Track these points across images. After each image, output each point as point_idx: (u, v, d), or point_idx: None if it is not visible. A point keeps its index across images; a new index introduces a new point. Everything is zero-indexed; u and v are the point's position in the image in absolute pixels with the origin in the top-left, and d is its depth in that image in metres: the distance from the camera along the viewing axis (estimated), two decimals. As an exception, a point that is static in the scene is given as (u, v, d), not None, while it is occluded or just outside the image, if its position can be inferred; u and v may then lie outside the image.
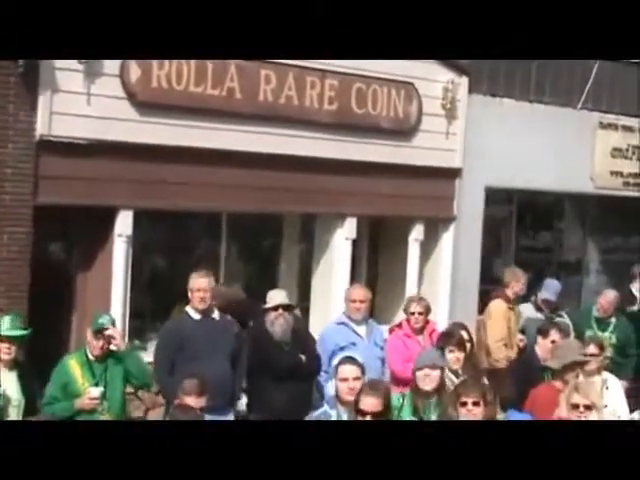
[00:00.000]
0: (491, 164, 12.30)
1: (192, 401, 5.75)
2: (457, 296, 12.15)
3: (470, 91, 12.03)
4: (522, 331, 9.99)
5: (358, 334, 8.22)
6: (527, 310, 10.53)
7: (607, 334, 10.13)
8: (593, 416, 5.71)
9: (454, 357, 7.04)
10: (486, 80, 12.18)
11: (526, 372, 7.28)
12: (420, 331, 8.58)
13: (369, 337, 8.27)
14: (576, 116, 13.33)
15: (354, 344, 8.02)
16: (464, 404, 5.58)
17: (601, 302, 10.40)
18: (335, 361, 6.06)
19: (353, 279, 11.72)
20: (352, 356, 6.09)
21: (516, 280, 10.12)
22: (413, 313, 8.66)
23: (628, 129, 13.94)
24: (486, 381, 6.45)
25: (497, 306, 9.97)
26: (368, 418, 5.32)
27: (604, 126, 13.67)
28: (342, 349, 7.88)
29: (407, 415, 6.30)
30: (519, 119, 12.64)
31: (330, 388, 5.96)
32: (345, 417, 5.67)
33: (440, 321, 11.92)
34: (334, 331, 8.24)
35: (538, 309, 10.47)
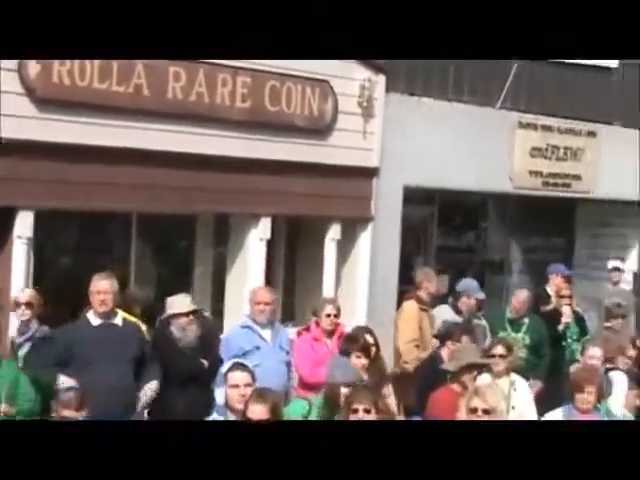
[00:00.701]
0: (409, 163, 12.18)
1: (70, 414, 5.49)
2: (375, 297, 11.98)
3: (387, 90, 11.87)
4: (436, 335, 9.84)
5: (263, 338, 8.03)
6: (446, 312, 10.37)
7: (520, 335, 10.06)
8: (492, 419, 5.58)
9: (359, 363, 6.85)
10: (404, 79, 12.03)
11: (430, 376, 7.13)
12: (330, 334, 8.41)
13: (274, 341, 8.08)
14: (495, 115, 13.26)
15: (258, 348, 7.84)
16: (355, 411, 5.44)
17: (513, 303, 10.34)
18: (225, 368, 5.85)
19: (269, 280, 11.53)
20: (242, 362, 5.92)
21: (428, 281, 10.00)
22: (329, 315, 8.50)
23: (547, 129, 13.91)
24: (390, 387, 6.23)
25: (408, 307, 9.84)
26: (255, 427, 5.11)
27: (523, 125, 13.61)
28: (246, 353, 7.71)
29: (314, 423, 6.10)
30: (438, 118, 12.52)
31: (220, 396, 5.75)
32: (235, 425, 5.45)
33: (359, 321, 11.80)
34: (238, 335, 8.04)
35: (457, 311, 10.30)
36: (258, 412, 5.23)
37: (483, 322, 10.19)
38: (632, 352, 7.70)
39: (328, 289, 11.55)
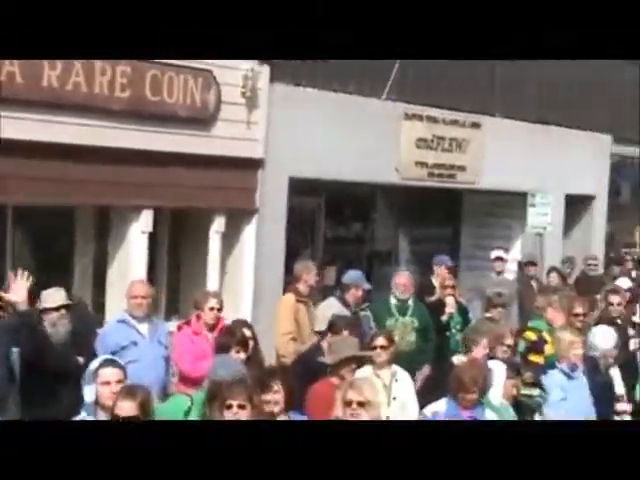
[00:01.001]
0: (295, 155, 12.09)
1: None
2: (261, 289, 11.88)
3: (272, 80, 11.75)
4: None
5: (140, 332, 7.82)
6: (333, 305, 10.17)
7: (408, 318, 10.03)
8: (368, 413, 5.52)
9: (239, 358, 6.72)
10: (289, 69, 11.90)
11: (310, 369, 7.03)
12: (212, 328, 8.25)
13: (152, 335, 7.88)
14: (381, 106, 13.26)
15: (135, 343, 7.64)
16: (229, 407, 5.31)
17: (396, 282, 10.23)
18: (94, 364, 5.66)
19: (152, 274, 11.32)
20: (113, 358, 5.73)
21: (307, 273, 9.89)
22: (212, 309, 8.34)
23: (432, 120, 13.98)
24: (278, 382, 6.02)
25: (285, 300, 9.74)
26: (122, 424, 4.96)
27: (409, 117, 13.65)
28: (123, 348, 7.51)
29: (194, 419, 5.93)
30: (323, 109, 12.46)
31: (89, 393, 5.55)
32: (105, 424, 5.27)
33: (245, 315, 11.66)
34: (114, 330, 7.82)
35: (344, 303, 10.13)
36: (126, 409, 5.09)
37: (368, 313, 10.13)
38: (510, 341, 7.72)
39: (212, 282, 11.40)
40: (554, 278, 12.45)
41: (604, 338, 8.26)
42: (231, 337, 6.90)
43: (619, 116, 17.59)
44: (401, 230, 16.54)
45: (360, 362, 6.72)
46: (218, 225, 11.41)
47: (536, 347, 7.66)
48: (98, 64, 9.89)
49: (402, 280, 10.19)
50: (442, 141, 14.15)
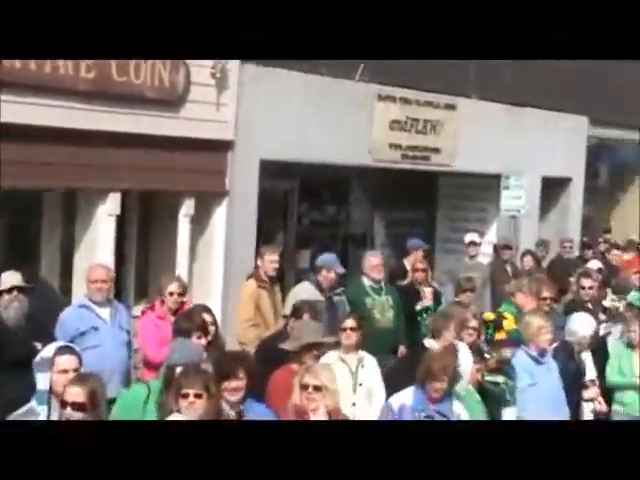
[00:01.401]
0: (266, 136, 11.92)
1: None
2: (232, 273, 11.71)
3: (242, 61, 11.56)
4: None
5: (101, 317, 7.67)
6: (306, 289, 10.00)
7: (384, 297, 9.93)
8: (325, 398, 5.41)
9: (199, 343, 6.57)
10: (259, 49, 11.71)
11: (272, 355, 6.88)
12: (175, 313, 8.10)
13: (113, 320, 7.73)
14: (354, 88, 13.10)
15: (96, 328, 7.48)
16: (185, 396, 5.17)
17: (369, 264, 10.11)
18: (49, 351, 5.51)
19: (120, 258, 11.18)
20: (69, 345, 5.60)
21: (269, 257, 9.73)
22: (172, 293, 8.18)
23: (406, 101, 13.83)
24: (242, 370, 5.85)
25: (246, 286, 9.59)
26: (69, 410, 4.84)
27: (382, 98, 13.50)
28: (83, 334, 7.36)
29: (152, 408, 5.80)
30: (295, 90, 12.30)
31: (42, 381, 5.40)
32: (56, 414, 5.15)
33: (215, 300, 11.55)
34: (74, 315, 7.66)
35: (318, 287, 9.95)
36: (74, 394, 4.96)
37: (343, 297, 9.99)
38: (475, 323, 7.60)
39: (182, 266, 11.24)
40: (528, 261, 12.34)
41: (583, 325, 8.18)
42: (191, 322, 6.75)
43: (596, 98, 17.50)
44: (376, 213, 16.39)
45: (323, 348, 6.58)
46: (187, 208, 11.24)
47: (496, 325, 7.55)
48: (62, 44, 9.67)
49: (375, 261, 10.08)
50: (416, 123, 14.01)
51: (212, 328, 7.05)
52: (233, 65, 11.41)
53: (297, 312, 7.52)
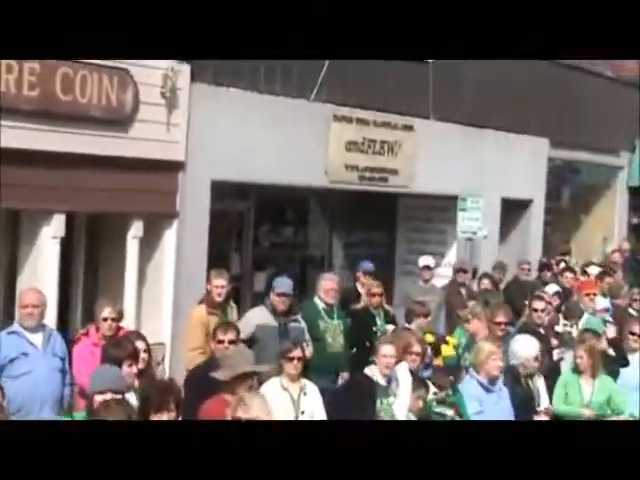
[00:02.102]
0: (218, 157, 11.69)
1: None
2: (182, 297, 11.43)
3: (193, 79, 11.34)
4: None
5: (32, 343, 7.38)
6: (260, 314, 9.69)
7: (336, 321, 9.70)
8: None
9: (130, 371, 6.30)
10: (211, 68, 11.50)
11: (204, 384, 6.59)
12: (112, 338, 7.81)
13: (46, 346, 7.44)
14: (309, 108, 12.90)
15: (26, 354, 7.20)
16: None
17: (324, 287, 9.86)
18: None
19: (67, 281, 10.90)
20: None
21: (219, 281, 9.47)
22: (106, 319, 7.89)
23: (363, 122, 13.65)
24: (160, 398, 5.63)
25: (195, 311, 9.34)
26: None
27: (338, 118, 13.30)
28: (12, 361, 7.07)
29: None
30: (248, 110, 12.08)
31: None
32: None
33: (165, 324, 11.30)
34: (3, 342, 7.36)
35: (273, 311, 9.65)
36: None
37: (302, 324, 9.69)
38: (418, 348, 7.38)
39: (130, 289, 10.96)
40: (486, 284, 12.13)
41: (525, 346, 7.95)
42: (121, 349, 6.47)
43: (557, 120, 17.42)
44: (335, 234, 16.19)
45: (257, 377, 6.32)
46: (136, 230, 10.96)
47: (434, 350, 7.35)
48: (4, 61, 9.41)
49: (329, 284, 9.86)
50: (373, 144, 13.82)
51: (144, 356, 6.78)
52: (184, 84, 11.18)
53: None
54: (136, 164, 10.69)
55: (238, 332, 7.83)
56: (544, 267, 13.80)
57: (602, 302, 11.03)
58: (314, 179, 13.18)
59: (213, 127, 11.59)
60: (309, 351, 9.29)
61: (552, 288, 11.45)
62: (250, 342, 9.29)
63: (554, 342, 9.69)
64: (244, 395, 5.44)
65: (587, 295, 10.89)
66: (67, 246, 10.78)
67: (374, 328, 10.29)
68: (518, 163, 16.56)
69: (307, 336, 9.51)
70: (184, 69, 11.11)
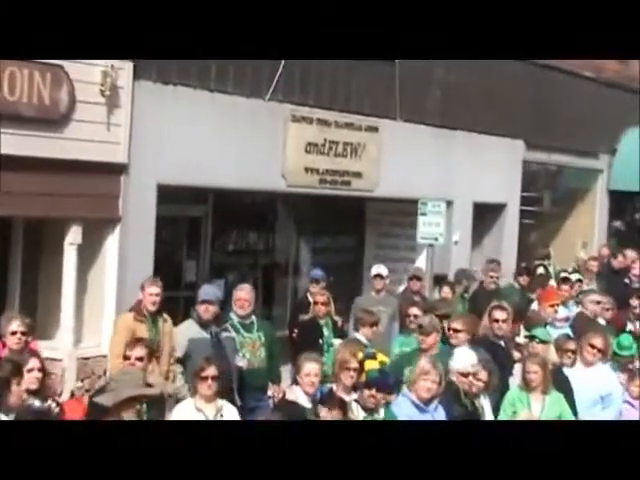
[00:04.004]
0: (165, 159, 11.12)
1: None
2: (126, 306, 10.81)
3: (136, 77, 10.74)
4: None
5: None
6: (190, 328, 9.03)
7: (255, 335, 9.08)
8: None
9: (17, 390, 5.73)
10: (155, 65, 10.91)
11: (94, 411, 5.98)
12: (20, 353, 7.23)
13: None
14: (265, 108, 12.31)
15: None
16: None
17: (235, 298, 9.26)
18: None
19: (3, 290, 10.34)
20: None
21: (149, 288, 8.91)
22: (15, 333, 7.32)
23: (324, 123, 13.06)
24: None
25: (121, 319, 8.79)
26: None
27: (297, 119, 12.71)
28: None
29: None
30: (198, 110, 11.49)
31: None
32: None
33: (107, 335, 10.71)
34: None
35: (200, 323, 9.04)
36: None
37: (233, 334, 9.12)
38: (355, 364, 6.82)
39: (68, 299, 10.38)
40: (446, 293, 11.53)
41: (461, 360, 7.33)
42: (13, 367, 5.87)
43: (533, 121, 16.85)
44: (302, 240, 15.61)
45: (142, 401, 5.71)
46: (73, 236, 10.37)
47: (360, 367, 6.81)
48: None
49: (241, 295, 9.24)
50: (335, 145, 13.23)
51: (38, 375, 6.20)
52: (126, 82, 10.59)
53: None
54: (73, 166, 10.11)
55: (150, 349, 7.26)
56: (522, 272, 13.19)
57: (562, 311, 10.45)
58: (271, 183, 12.60)
59: (159, 128, 11.01)
60: (244, 363, 8.76)
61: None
62: (184, 359, 8.77)
63: (516, 355, 9.11)
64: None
65: (551, 306, 10.34)
66: (4, 254, 10.25)
67: (320, 340, 9.70)
68: (491, 166, 15.99)
69: (237, 347, 8.94)
70: (126, 66, 10.52)
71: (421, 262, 15.09)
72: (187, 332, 8.89)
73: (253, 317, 9.21)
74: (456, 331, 8.60)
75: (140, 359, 6.98)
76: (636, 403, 8.87)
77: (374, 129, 13.80)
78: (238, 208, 14.13)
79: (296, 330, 10.15)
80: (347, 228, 15.89)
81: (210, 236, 13.64)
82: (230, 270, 14.24)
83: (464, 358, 7.31)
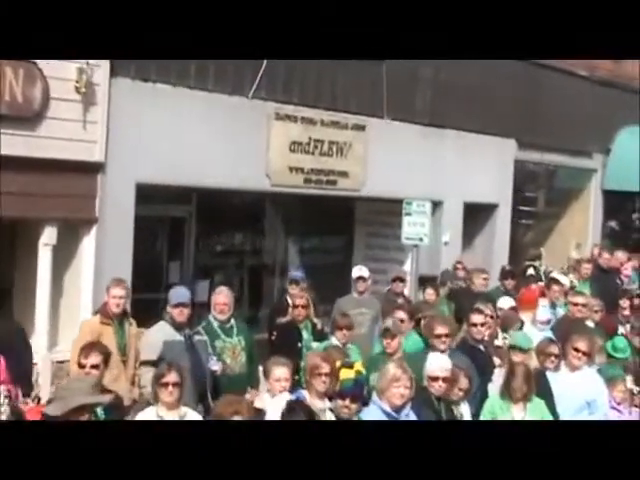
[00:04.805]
0: (144, 158, 10.88)
1: None
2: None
3: (114, 74, 10.50)
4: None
5: None
6: (162, 330, 8.65)
7: (235, 338, 8.82)
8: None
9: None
10: (133, 63, 10.65)
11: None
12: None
13: None
14: (248, 106, 12.07)
15: None
16: None
17: (214, 302, 9.00)
18: None
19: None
20: None
21: (116, 290, 8.65)
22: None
23: (309, 121, 12.81)
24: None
25: (86, 323, 8.55)
26: None
27: (281, 117, 12.46)
28: None
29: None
30: (178, 108, 11.25)
31: None
32: None
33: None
34: None
35: (174, 326, 8.74)
36: None
37: (205, 337, 8.86)
38: (327, 370, 6.57)
39: (43, 301, 10.15)
40: (430, 295, 11.26)
41: (432, 365, 7.06)
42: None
43: (525, 120, 16.59)
44: (290, 240, 15.36)
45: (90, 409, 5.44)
46: (48, 237, 10.14)
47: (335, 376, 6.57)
48: None
49: (219, 299, 8.98)
50: (320, 144, 12.98)
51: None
52: (102, 79, 10.35)
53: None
54: (48, 165, 9.88)
55: (106, 355, 7.00)
56: (507, 275, 12.90)
57: (542, 313, 10.18)
58: (255, 182, 12.36)
59: (137, 126, 10.77)
60: (219, 367, 8.51)
61: (507, 302, 10.56)
62: (158, 362, 8.50)
63: (496, 360, 8.84)
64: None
65: (528, 308, 10.09)
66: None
67: (299, 344, 9.45)
68: (482, 166, 15.73)
69: (209, 350, 8.69)
70: (102, 63, 10.28)
71: (411, 263, 14.87)
72: (160, 334, 8.61)
73: (232, 321, 8.95)
74: (444, 336, 8.33)
75: (96, 366, 6.72)
76: (622, 408, 8.65)
77: (361, 128, 13.56)
78: (224, 208, 13.87)
79: (275, 333, 9.89)
80: (336, 228, 15.64)
81: (194, 236, 13.39)
82: (215, 271, 14.01)
83: (436, 362, 7.05)
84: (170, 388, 6.34)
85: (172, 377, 6.40)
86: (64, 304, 10.57)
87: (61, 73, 9.92)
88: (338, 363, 6.65)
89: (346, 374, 6.40)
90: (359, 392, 6.42)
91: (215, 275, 13.88)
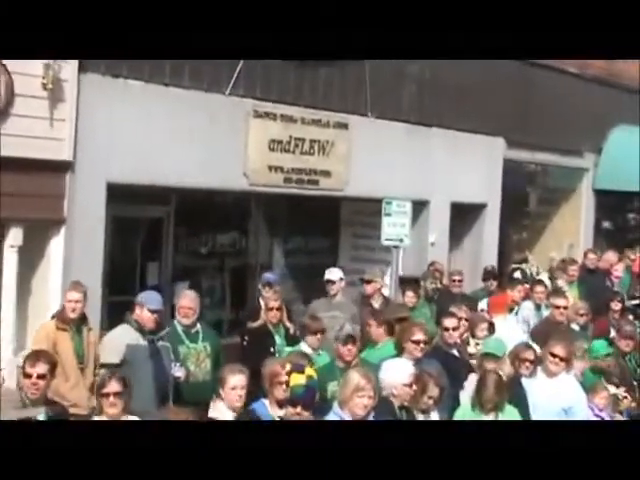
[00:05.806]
0: (115, 157, 10.57)
1: None
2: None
3: (83, 70, 10.18)
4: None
5: None
6: (125, 334, 8.33)
7: (200, 345, 8.51)
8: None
9: None
10: (103, 57, 10.33)
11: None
12: None
13: None
14: (225, 103, 11.75)
15: None
16: None
17: (177, 305, 8.69)
18: None
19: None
20: None
21: (72, 294, 8.36)
22: None
23: (289, 119, 12.49)
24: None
25: (42, 327, 8.27)
26: None
27: (259, 115, 12.14)
28: None
29: None
30: (152, 105, 10.95)
31: None
32: None
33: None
34: None
35: (139, 330, 8.35)
36: None
37: (167, 344, 8.52)
38: (284, 377, 6.26)
39: (8, 304, 9.83)
40: (410, 297, 10.94)
41: (395, 373, 6.72)
42: None
43: (514, 118, 16.27)
44: (274, 241, 15.04)
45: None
46: (14, 238, 9.83)
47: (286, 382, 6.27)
48: None
49: (184, 303, 8.67)
50: (301, 143, 12.66)
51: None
52: (71, 75, 10.03)
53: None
54: (13, 164, 9.53)
55: (52, 365, 6.68)
56: (489, 276, 12.57)
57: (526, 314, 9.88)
58: (232, 182, 12.04)
59: (108, 124, 10.46)
60: (182, 374, 8.20)
61: (486, 304, 10.26)
62: (120, 365, 8.19)
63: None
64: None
65: (498, 312, 9.78)
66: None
67: (272, 348, 9.14)
68: (470, 165, 15.41)
69: (172, 356, 8.38)
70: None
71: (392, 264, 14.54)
72: (123, 338, 8.30)
73: (198, 326, 8.64)
74: (422, 342, 8.01)
75: (42, 376, 6.40)
76: (605, 415, 8.34)
77: (344, 126, 13.24)
78: (205, 208, 13.55)
79: (246, 338, 9.58)
80: (321, 229, 15.33)
81: (172, 238, 13.07)
82: (195, 273, 13.70)
83: (397, 369, 6.72)
84: (112, 399, 6.04)
85: (113, 387, 6.10)
86: (31, 308, 10.26)
87: (26, 69, 9.59)
88: (288, 367, 6.32)
89: (297, 379, 6.09)
90: (310, 398, 6.10)
91: (195, 277, 13.58)
